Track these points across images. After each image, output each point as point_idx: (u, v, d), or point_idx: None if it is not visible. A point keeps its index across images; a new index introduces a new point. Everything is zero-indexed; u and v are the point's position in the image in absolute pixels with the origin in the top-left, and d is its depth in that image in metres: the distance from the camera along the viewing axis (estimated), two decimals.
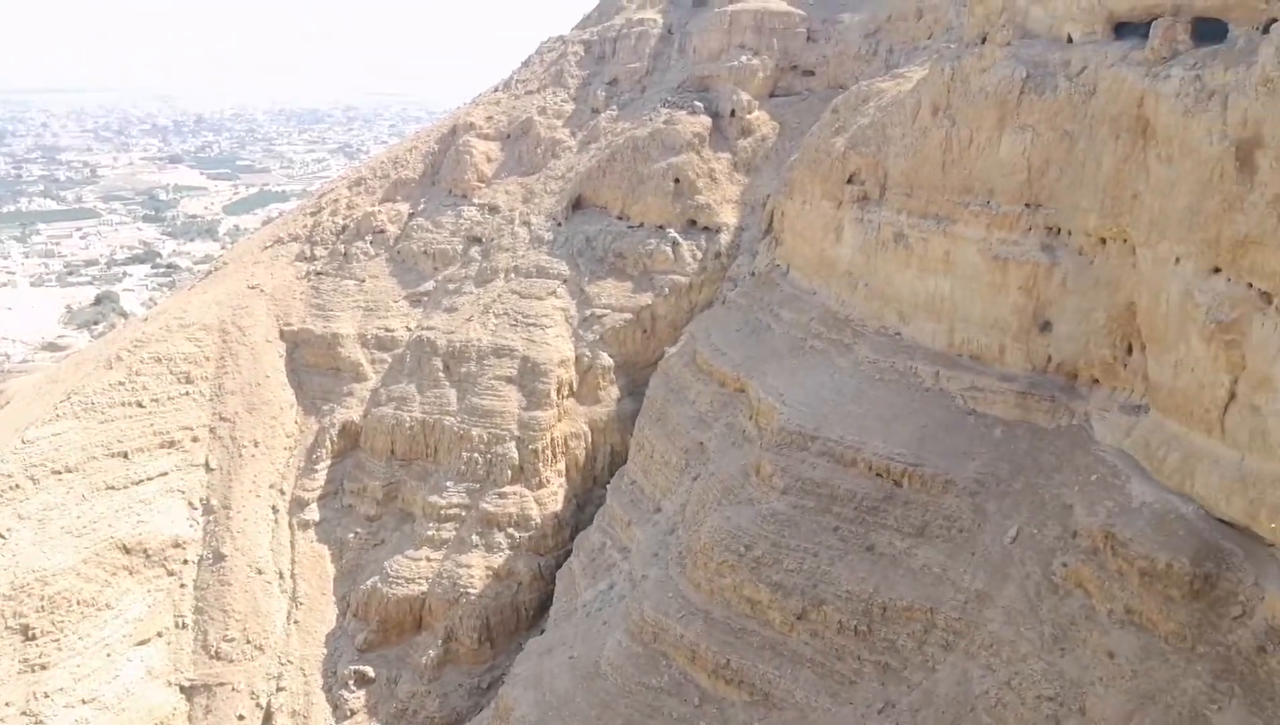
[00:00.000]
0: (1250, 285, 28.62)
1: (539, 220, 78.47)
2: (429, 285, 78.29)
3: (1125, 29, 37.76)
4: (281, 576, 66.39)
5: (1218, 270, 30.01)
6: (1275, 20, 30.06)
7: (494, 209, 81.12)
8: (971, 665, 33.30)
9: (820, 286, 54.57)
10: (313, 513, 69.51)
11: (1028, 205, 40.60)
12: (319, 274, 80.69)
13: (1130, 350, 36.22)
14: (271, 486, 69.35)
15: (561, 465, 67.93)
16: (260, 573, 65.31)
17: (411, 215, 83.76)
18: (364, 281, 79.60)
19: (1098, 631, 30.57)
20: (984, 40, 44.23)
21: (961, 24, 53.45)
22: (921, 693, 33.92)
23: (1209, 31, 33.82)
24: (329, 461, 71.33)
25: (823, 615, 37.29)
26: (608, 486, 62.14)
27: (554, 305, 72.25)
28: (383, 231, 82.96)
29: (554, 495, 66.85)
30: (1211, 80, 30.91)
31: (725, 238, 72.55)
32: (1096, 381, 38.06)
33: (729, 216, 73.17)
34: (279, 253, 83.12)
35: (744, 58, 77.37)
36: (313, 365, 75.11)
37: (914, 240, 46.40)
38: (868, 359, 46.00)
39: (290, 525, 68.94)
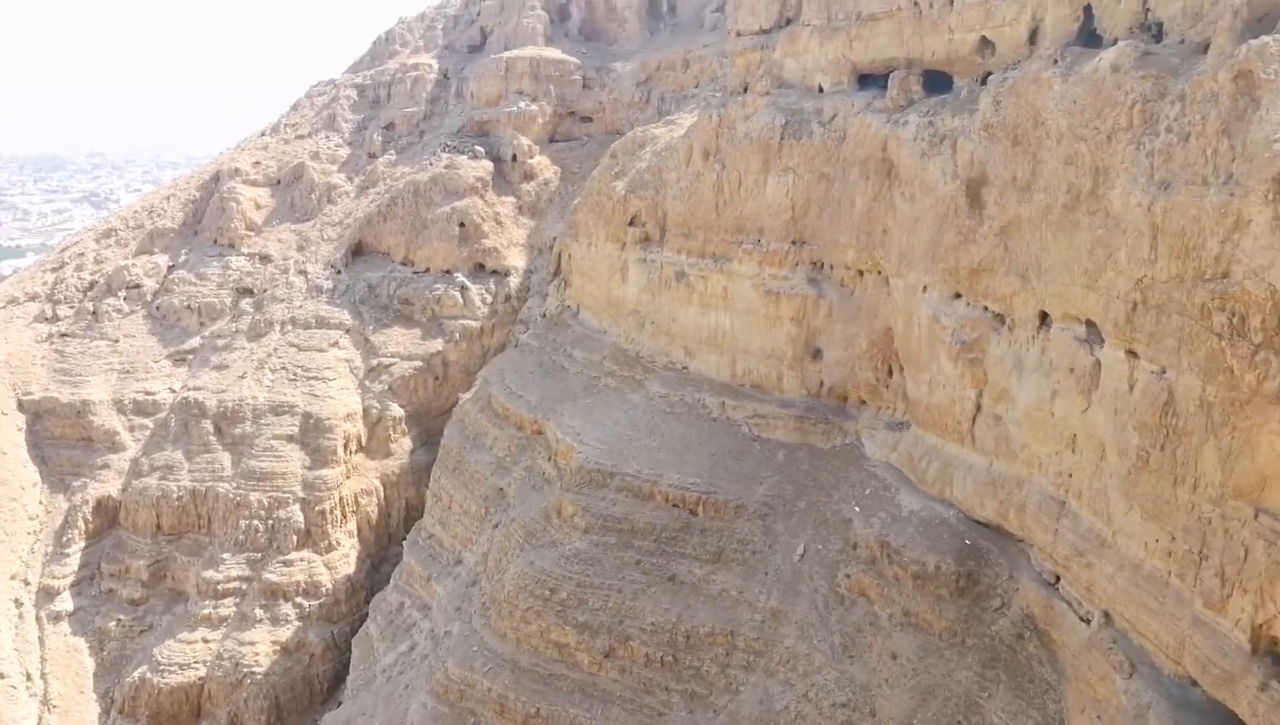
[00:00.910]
0: (986, 308, 32.02)
1: (316, 268, 75.05)
2: (194, 342, 72.66)
3: (867, 80, 41.62)
4: (30, 678, 58.54)
5: (959, 296, 33.37)
6: (990, 74, 34.17)
7: (266, 258, 76.77)
8: (772, 683, 34.59)
9: (610, 326, 55.63)
10: (65, 602, 62.02)
11: (794, 242, 43.49)
12: (63, 336, 72.82)
13: (891, 372, 39.48)
14: (13, 577, 61.25)
15: (352, 525, 64.63)
16: (2, 677, 57.22)
17: (172, 268, 77.63)
18: (118, 341, 72.64)
19: (881, 636, 32.68)
20: (745, 90, 47.25)
21: (725, 74, 56.88)
22: (727, 715, 34.80)
23: (938, 82, 37.96)
24: (82, 543, 64.04)
25: (629, 650, 37.54)
26: (404, 543, 59.73)
27: (337, 356, 69.12)
28: (138, 286, 76.26)
29: (345, 558, 63.40)
30: (942, 126, 34.58)
31: (515, 281, 72.53)
32: (864, 402, 41.13)
33: (517, 259, 73.27)
34: (14, 314, 74.35)
35: (523, 103, 78.25)
36: (59, 437, 67.49)
37: (694, 278, 48.44)
38: (659, 394, 47.28)
39: (38, 619, 61.12)
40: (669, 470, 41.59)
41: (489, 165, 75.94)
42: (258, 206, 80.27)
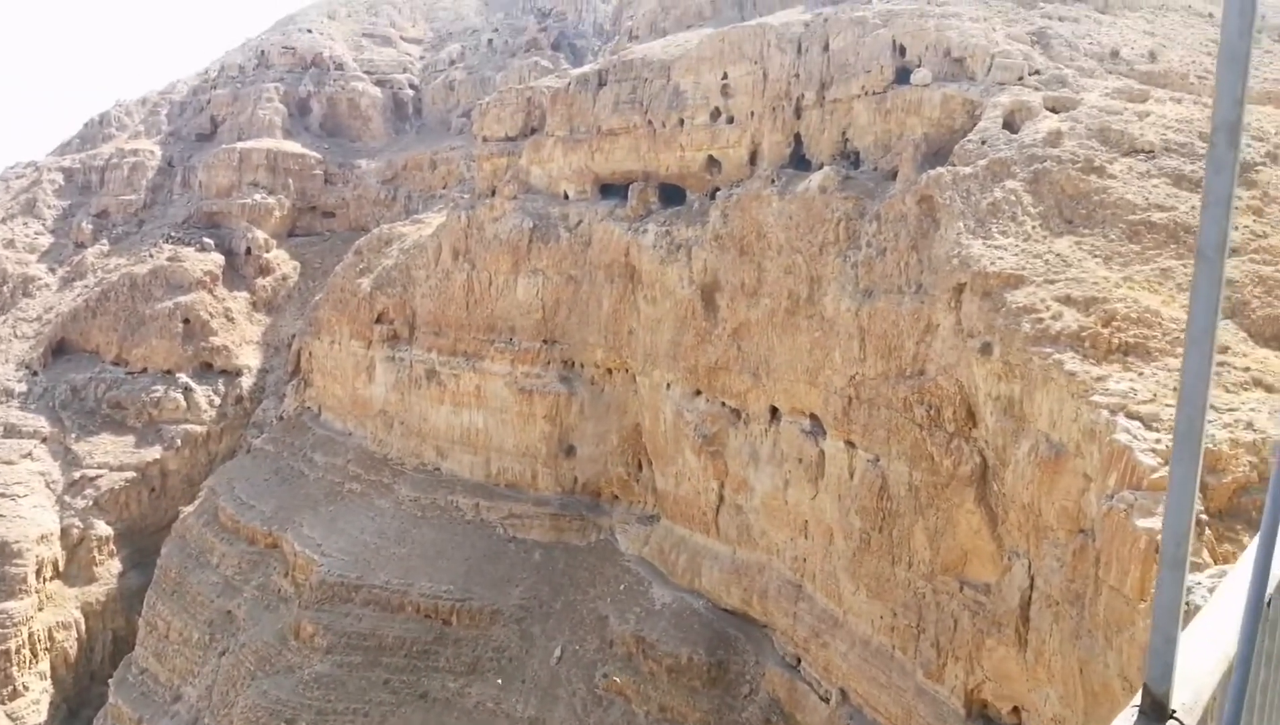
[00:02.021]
0: (724, 404, 34.06)
1: (7, 369, 65.85)
2: None
3: (609, 189, 43.86)
4: None
5: (699, 392, 35.30)
6: (718, 189, 37.18)
7: None
8: None
9: (355, 427, 53.11)
10: None
11: (545, 341, 44.18)
12: None
13: (640, 466, 40.67)
14: None
15: (45, 665, 55.60)
16: None
17: None
18: None
19: None
20: (493, 193, 48.09)
21: (472, 176, 57.62)
22: None
23: (672, 195, 40.74)
24: None
25: None
26: (110, 682, 52.14)
27: (29, 469, 60.35)
28: None
29: (35, 705, 54.22)
30: (678, 235, 37.00)
31: (247, 381, 67.51)
32: (616, 497, 41.93)
33: (250, 358, 68.45)
34: None
35: (259, 196, 74.56)
36: None
37: (446, 377, 47.64)
38: (409, 497, 45.45)
39: None
40: (420, 579, 39.76)
41: (219, 258, 71.09)
42: None
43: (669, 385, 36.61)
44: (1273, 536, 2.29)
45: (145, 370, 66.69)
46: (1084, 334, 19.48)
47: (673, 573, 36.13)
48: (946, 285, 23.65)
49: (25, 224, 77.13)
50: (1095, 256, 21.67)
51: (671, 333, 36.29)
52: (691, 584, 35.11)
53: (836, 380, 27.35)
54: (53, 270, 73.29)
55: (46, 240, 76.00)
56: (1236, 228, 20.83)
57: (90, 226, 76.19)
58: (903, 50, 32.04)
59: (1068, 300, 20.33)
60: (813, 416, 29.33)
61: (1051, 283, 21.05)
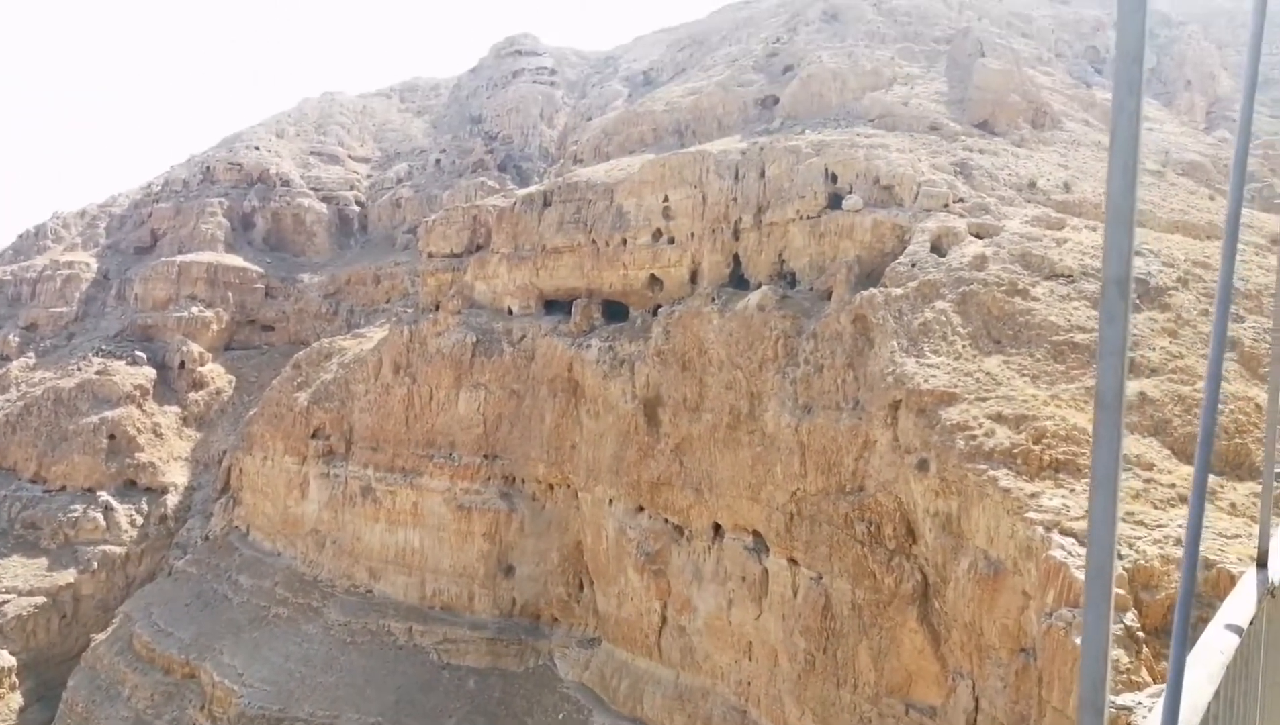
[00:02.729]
0: (666, 520, 33.66)
1: None
2: None
3: (553, 305, 44.29)
4: None
5: (641, 508, 34.87)
6: (660, 306, 37.78)
7: None
8: None
9: (285, 547, 51.12)
10: None
11: (486, 456, 43.53)
12: None
13: (582, 586, 39.64)
14: None
15: None
16: None
17: None
18: None
19: None
20: (437, 307, 48.18)
21: (416, 291, 57.78)
22: None
23: (615, 311, 41.26)
24: None
25: None
26: None
27: None
28: None
29: None
30: (621, 351, 37.29)
31: (173, 499, 64.86)
32: (556, 619, 40.62)
33: (178, 475, 66.01)
34: None
35: (195, 308, 73.55)
36: None
37: (382, 493, 46.43)
38: (339, 622, 43.49)
39: None
40: (348, 710, 37.67)
41: (151, 372, 69.37)
42: None
43: (611, 501, 36.15)
44: (1181, 646, 2.27)
45: (64, 488, 63.84)
46: (1016, 451, 19.86)
47: (614, 699, 34.81)
48: (882, 402, 24.07)
49: None
50: (1023, 375, 22.34)
51: (614, 447, 36.09)
52: (634, 712, 33.82)
53: (778, 496, 27.30)
54: None
55: None
56: (1154, 349, 21.76)
57: (17, 339, 74.08)
58: (834, 177, 33.54)
59: (999, 418, 20.80)
60: (755, 533, 29.11)
61: (983, 400, 21.57)
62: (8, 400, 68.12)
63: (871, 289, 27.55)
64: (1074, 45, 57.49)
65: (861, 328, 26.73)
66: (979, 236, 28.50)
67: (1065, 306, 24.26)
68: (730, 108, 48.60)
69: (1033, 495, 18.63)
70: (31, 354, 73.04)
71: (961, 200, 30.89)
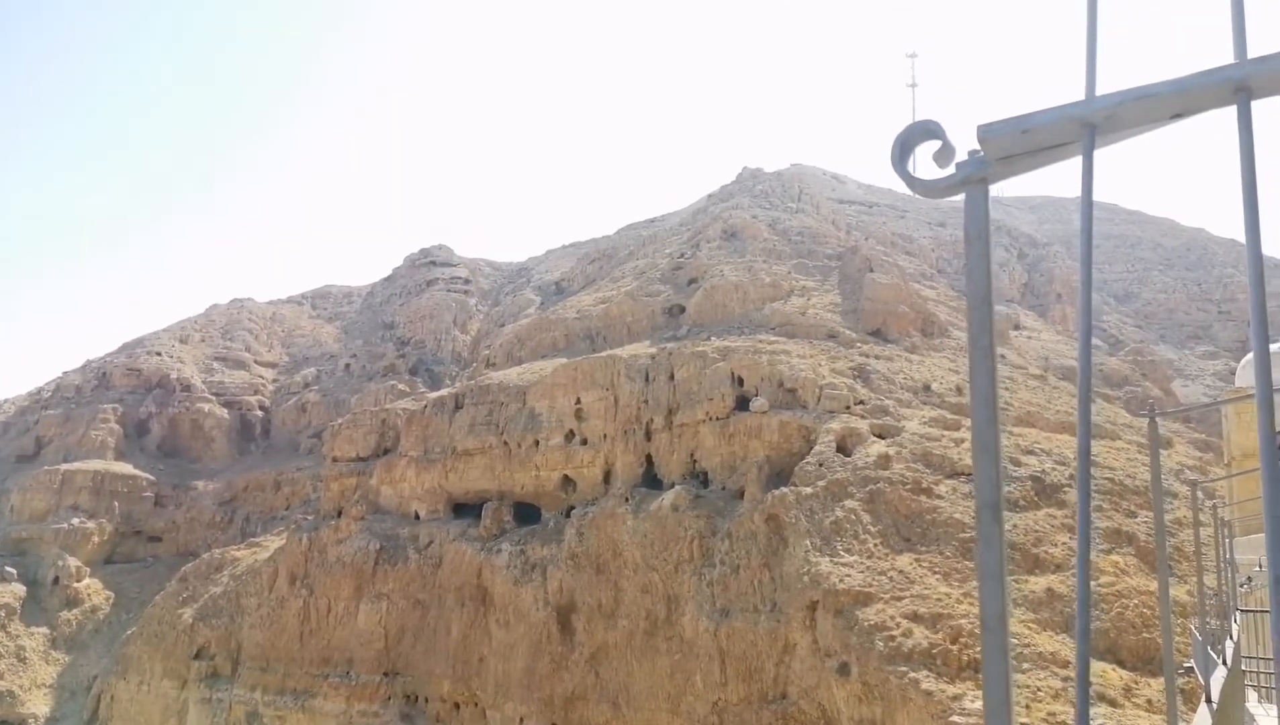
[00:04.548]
0: None
1: None
2: None
3: (463, 508, 43.24)
4: None
5: None
6: (574, 507, 37.34)
7: None
8: None
9: None
10: None
11: (386, 674, 40.75)
12: None
13: None
14: None
15: None
16: None
17: None
18: None
19: None
20: (340, 513, 46.49)
21: (318, 497, 55.84)
22: None
23: (528, 513, 40.53)
24: None
25: None
26: None
27: None
28: None
29: None
30: (533, 555, 36.33)
31: None
32: None
33: (40, 705, 59.37)
34: None
35: (76, 519, 69.03)
36: None
37: (269, 720, 42.59)
38: None
39: None
40: None
41: (20, 589, 63.82)
42: None
43: (522, 720, 33.94)
44: None
45: None
46: (935, 651, 19.73)
47: None
48: (800, 603, 23.85)
49: None
50: (935, 573, 22.59)
51: (526, 659, 34.34)
52: None
53: (699, 707, 26.17)
54: None
55: None
56: (1056, 545, 22.42)
57: None
58: (740, 381, 34.77)
59: (915, 617, 20.79)
60: None
61: (899, 599, 21.60)
62: None
63: (782, 488, 27.98)
64: (953, 263, 62.71)
65: (775, 527, 26.88)
66: (881, 437, 29.59)
67: (968, 504, 25.04)
68: (639, 315, 50.57)
69: (955, 697, 18.37)
70: None
71: (862, 402, 32.27)
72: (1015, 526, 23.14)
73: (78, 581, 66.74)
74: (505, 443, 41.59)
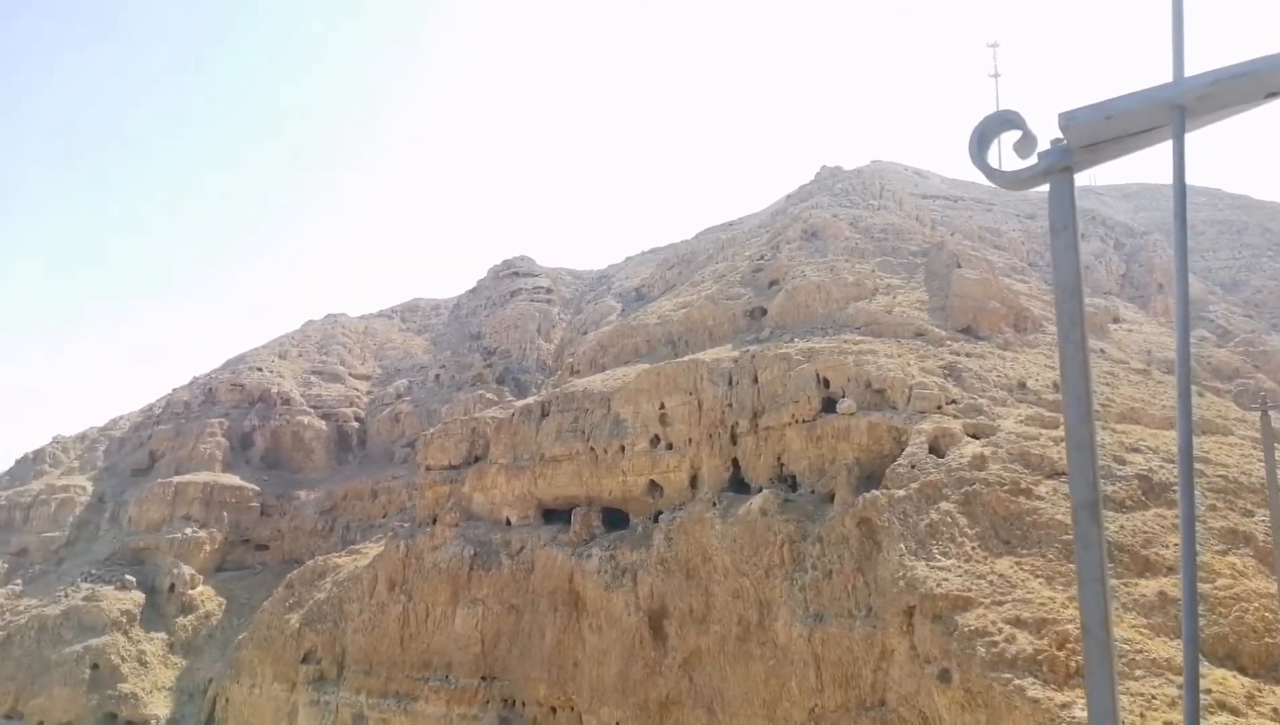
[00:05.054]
0: None
1: None
2: None
3: (552, 514, 43.91)
4: None
5: None
6: (661, 512, 37.52)
7: None
8: None
9: None
10: None
11: (484, 678, 41.62)
12: None
13: None
14: None
15: None
16: None
17: None
18: None
19: None
20: (434, 521, 47.71)
21: (413, 505, 57.41)
22: None
23: (616, 518, 40.90)
24: None
25: None
26: None
27: None
28: None
29: None
30: (623, 559, 36.63)
31: None
32: None
33: (160, 707, 62.56)
34: None
35: (189, 529, 72.58)
36: None
37: (374, 722, 43.98)
38: None
39: None
40: None
41: (140, 597, 67.42)
42: None
43: (619, 724, 34.25)
44: None
45: (42, 724, 60.40)
46: (1040, 658, 19.21)
47: None
48: (896, 608, 23.49)
49: None
50: (1038, 577, 21.97)
51: (619, 664, 34.64)
52: None
53: (795, 713, 26.00)
54: None
55: None
56: (1167, 547, 21.57)
57: (5, 565, 72.57)
58: (826, 382, 34.41)
59: (1018, 622, 20.26)
60: None
61: (1000, 604, 21.08)
62: None
63: (874, 491, 27.59)
64: (1045, 256, 60.72)
65: (867, 530, 26.53)
66: (975, 437, 28.89)
67: (1070, 505, 24.25)
68: (720, 319, 50.49)
69: (1064, 705, 17.85)
70: (19, 580, 71.26)
71: (954, 401, 31.56)
72: (1122, 528, 22.33)
73: (192, 589, 70.11)
74: (592, 449, 42.04)
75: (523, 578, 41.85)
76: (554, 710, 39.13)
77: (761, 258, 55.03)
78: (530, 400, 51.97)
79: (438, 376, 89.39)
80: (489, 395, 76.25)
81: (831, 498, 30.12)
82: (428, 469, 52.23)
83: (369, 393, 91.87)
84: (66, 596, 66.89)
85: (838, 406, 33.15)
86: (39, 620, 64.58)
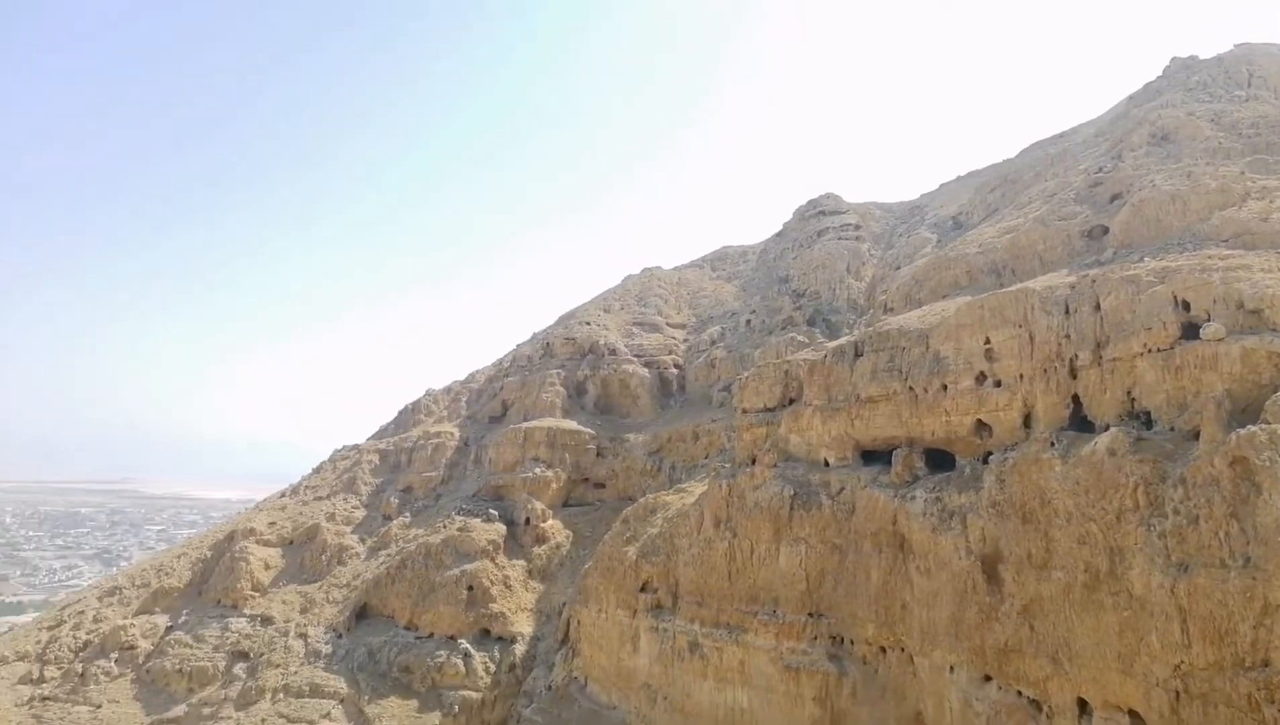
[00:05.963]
0: (1020, 693, 30.37)
1: (317, 631, 72.69)
2: (179, 710, 68.28)
3: (871, 456, 43.28)
4: None
5: (989, 678, 31.82)
6: (990, 453, 35.59)
7: (267, 620, 74.70)
8: None
9: (620, 700, 52.54)
10: None
11: (811, 614, 42.44)
12: (45, 699, 68.82)
13: None
14: None
15: None
16: None
17: (170, 629, 75.30)
18: (100, 707, 68.39)
19: None
20: (753, 461, 49.01)
21: (732, 446, 59.34)
22: None
23: (940, 460, 39.43)
24: None
25: None
26: None
27: None
28: (132, 648, 73.48)
29: None
30: (950, 502, 35.33)
31: (520, 648, 69.73)
32: None
33: (524, 625, 71.16)
34: None
35: (538, 469, 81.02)
36: None
37: (709, 649, 46.63)
38: None
39: None
40: None
41: (502, 528, 76.66)
42: (267, 567, 79.81)
43: (952, 668, 33.42)
44: None
45: (432, 635, 71.15)
46: None
47: None
48: None
49: (345, 499, 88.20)
50: None
51: (950, 608, 33.68)
52: None
53: (1157, 669, 23.78)
54: (363, 540, 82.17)
55: (361, 513, 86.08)
56: None
57: (396, 501, 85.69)
58: (1186, 305, 30.40)
59: None
60: (1132, 713, 25.35)
61: None
62: (389, 555, 78.23)
63: (1250, 427, 24.15)
64: None
65: (1243, 472, 23.35)
66: None
67: None
68: (1052, 243, 46.26)
69: None
70: (408, 513, 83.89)
71: None
72: None
73: (543, 522, 78.31)
74: (910, 388, 40.72)
75: (844, 518, 41.87)
76: (883, 650, 39.05)
77: (1100, 170, 49.45)
78: (843, 341, 51.30)
79: (749, 322, 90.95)
80: (800, 337, 76.32)
81: (1195, 435, 26.78)
82: (744, 412, 53.63)
83: (685, 341, 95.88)
84: (444, 527, 77.57)
85: (1202, 331, 29.21)
86: (425, 547, 75.60)
